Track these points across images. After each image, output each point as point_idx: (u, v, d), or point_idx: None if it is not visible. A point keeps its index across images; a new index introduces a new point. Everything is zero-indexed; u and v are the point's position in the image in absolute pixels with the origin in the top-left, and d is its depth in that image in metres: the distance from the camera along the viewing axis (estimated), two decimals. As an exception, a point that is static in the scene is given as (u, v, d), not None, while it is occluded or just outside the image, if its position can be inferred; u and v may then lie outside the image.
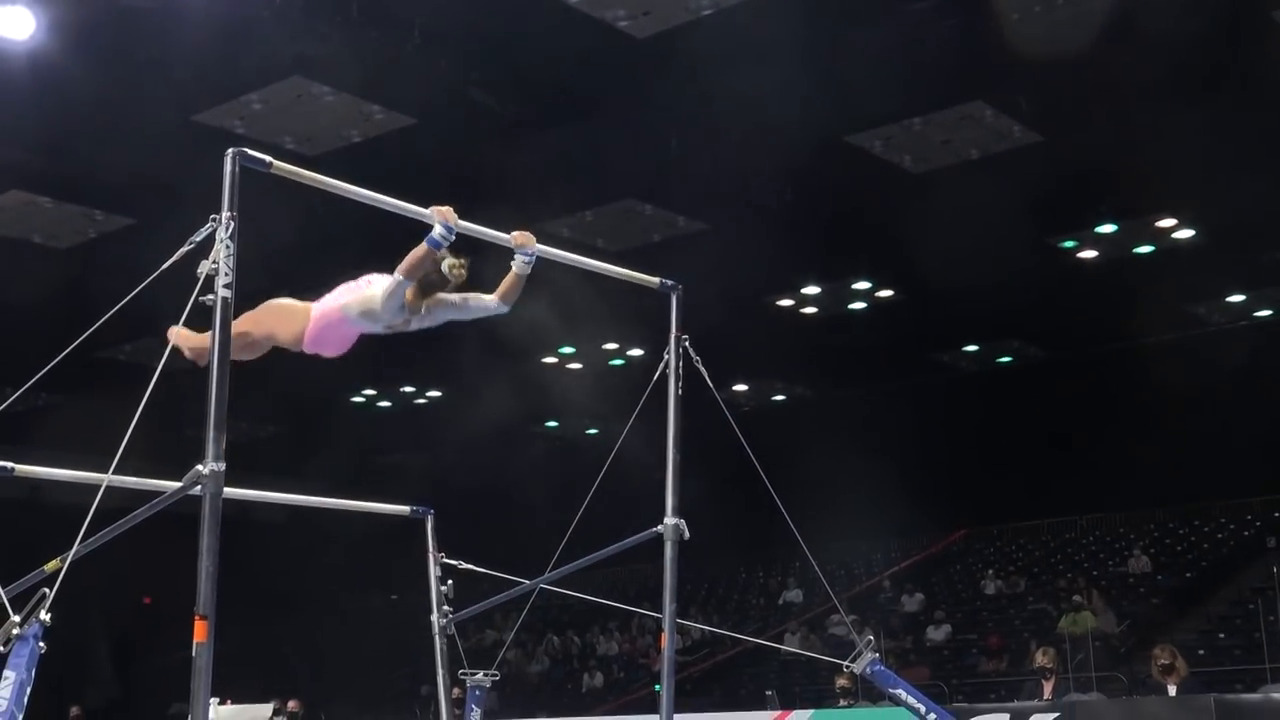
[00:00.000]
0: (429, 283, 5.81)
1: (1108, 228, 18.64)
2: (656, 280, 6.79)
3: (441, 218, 5.51)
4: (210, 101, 14.77)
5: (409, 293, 5.78)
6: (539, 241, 5.99)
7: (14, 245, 18.03)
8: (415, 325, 6.03)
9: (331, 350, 6.11)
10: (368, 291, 5.86)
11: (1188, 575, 22.13)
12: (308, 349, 6.04)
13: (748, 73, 13.88)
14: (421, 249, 5.54)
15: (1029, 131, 15.67)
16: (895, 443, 22.78)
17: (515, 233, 5.96)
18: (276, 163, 4.61)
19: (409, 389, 27.34)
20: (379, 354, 22.91)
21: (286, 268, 15.99)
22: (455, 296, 5.93)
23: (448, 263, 5.75)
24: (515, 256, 5.92)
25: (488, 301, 5.97)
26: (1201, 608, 21.00)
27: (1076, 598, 20.37)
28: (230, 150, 4.50)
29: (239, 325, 5.62)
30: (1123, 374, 22.77)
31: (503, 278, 5.98)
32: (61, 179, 16.44)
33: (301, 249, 15.46)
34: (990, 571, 24.32)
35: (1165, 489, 22.89)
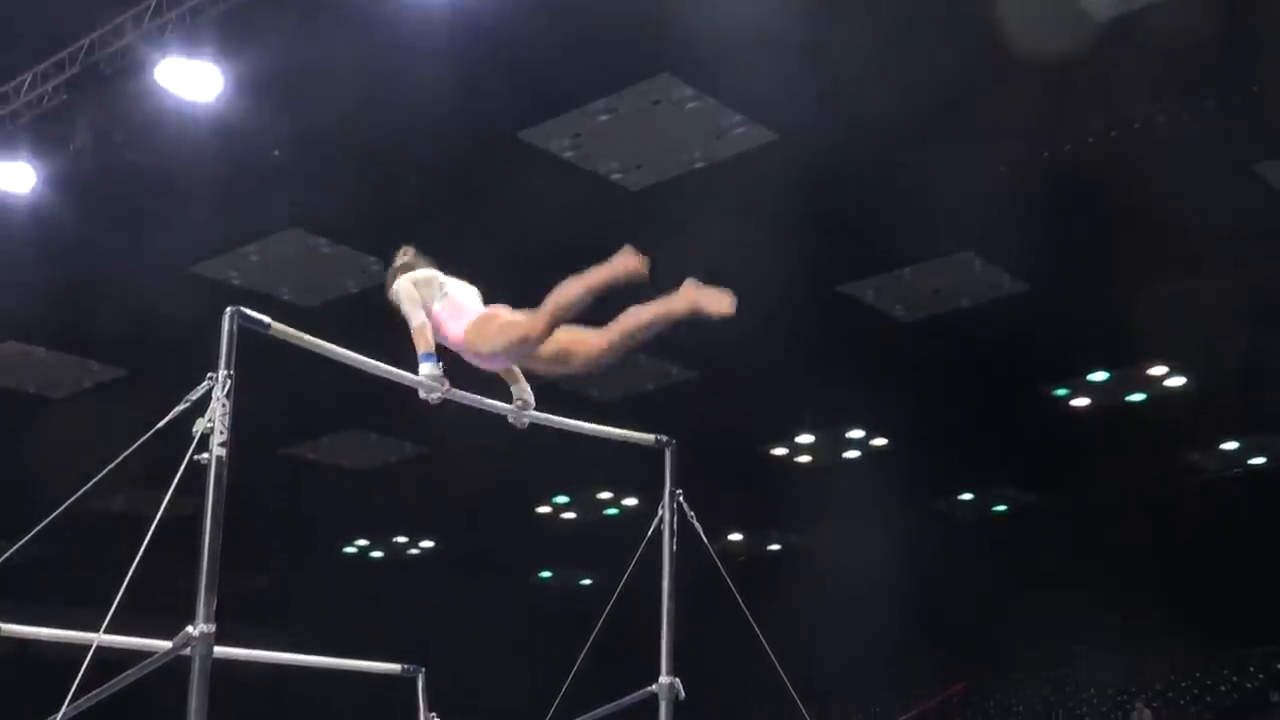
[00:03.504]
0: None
1: (1099, 376, 18.73)
2: (651, 437, 6.83)
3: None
4: (208, 253, 14.90)
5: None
6: (534, 387, 6.25)
7: (9, 396, 18.05)
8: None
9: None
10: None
11: (1191, 729, 21.84)
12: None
13: (740, 223, 14.05)
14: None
15: (1018, 281, 15.82)
16: (891, 593, 22.59)
17: (516, 402, 6.35)
18: (275, 324, 4.63)
19: (401, 539, 27.17)
20: (372, 502, 22.93)
21: (276, 414, 16.03)
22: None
23: None
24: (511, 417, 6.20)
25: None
26: (1206, 762, 20.68)
27: (1078, 751, 20.05)
28: (229, 309, 4.52)
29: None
30: (1119, 522, 22.69)
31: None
32: (58, 329, 16.50)
33: (293, 397, 15.52)
34: (990, 724, 23.98)
35: (1166, 639, 22.65)
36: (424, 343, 5.98)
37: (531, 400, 6.24)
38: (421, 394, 5.88)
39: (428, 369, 5.91)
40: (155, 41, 11.37)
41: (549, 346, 5.93)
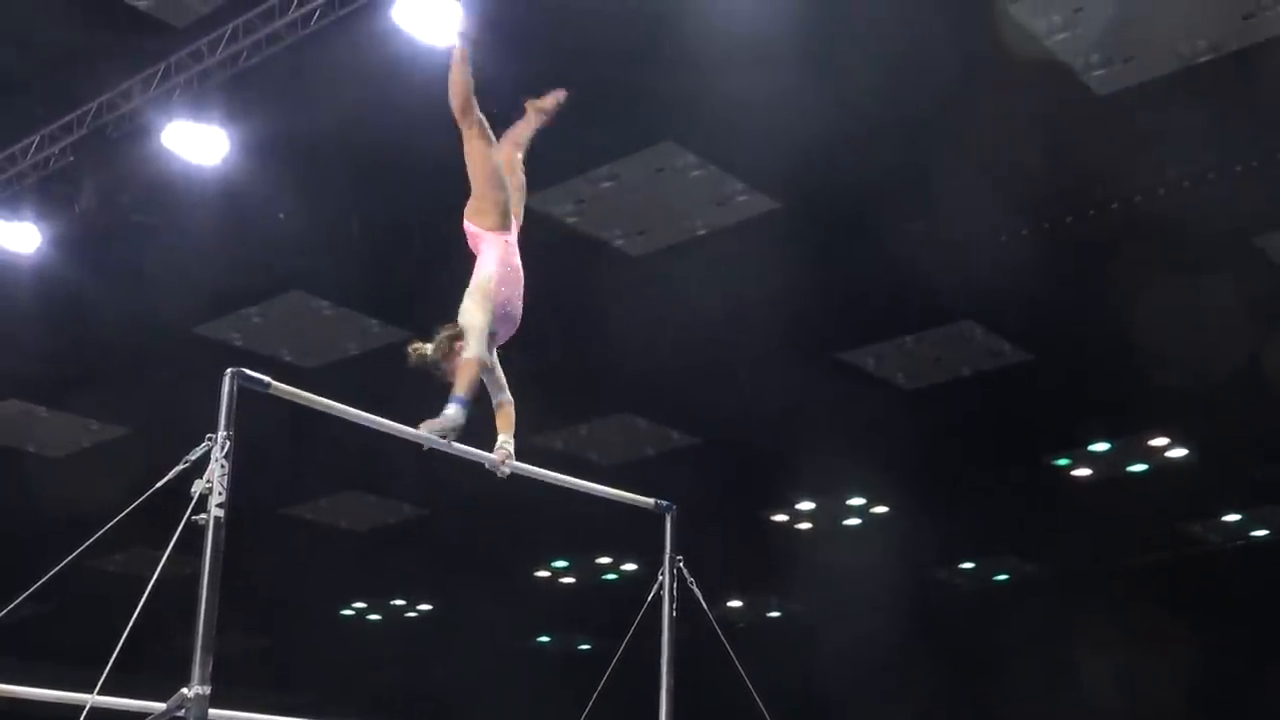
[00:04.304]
0: None
1: (1101, 446, 18.68)
2: (651, 501, 6.81)
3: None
4: (211, 314, 14.94)
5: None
6: (536, 452, 6.21)
7: (8, 454, 18.02)
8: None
9: None
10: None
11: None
12: None
13: (741, 290, 14.09)
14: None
15: (1019, 350, 15.82)
16: (893, 664, 22.44)
17: (499, 451, 6.23)
18: (275, 384, 4.64)
19: (399, 602, 27.02)
20: (370, 564, 22.83)
21: (275, 474, 16.00)
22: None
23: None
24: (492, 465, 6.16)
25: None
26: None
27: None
28: (229, 370, 4.53)
29: None
30: (1122, 593, 22.53)
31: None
32: (59, 388, 16.51)
33: (292, 457, 15.49)
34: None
35: (1170, 707, 22.46)
36: (464, 383, 5.89)
37: (511, 451, 6.20)
38: (425, 429, 5.77)
39: (452, 411, 5.82)
40: (162, 105, 11.46)
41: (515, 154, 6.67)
